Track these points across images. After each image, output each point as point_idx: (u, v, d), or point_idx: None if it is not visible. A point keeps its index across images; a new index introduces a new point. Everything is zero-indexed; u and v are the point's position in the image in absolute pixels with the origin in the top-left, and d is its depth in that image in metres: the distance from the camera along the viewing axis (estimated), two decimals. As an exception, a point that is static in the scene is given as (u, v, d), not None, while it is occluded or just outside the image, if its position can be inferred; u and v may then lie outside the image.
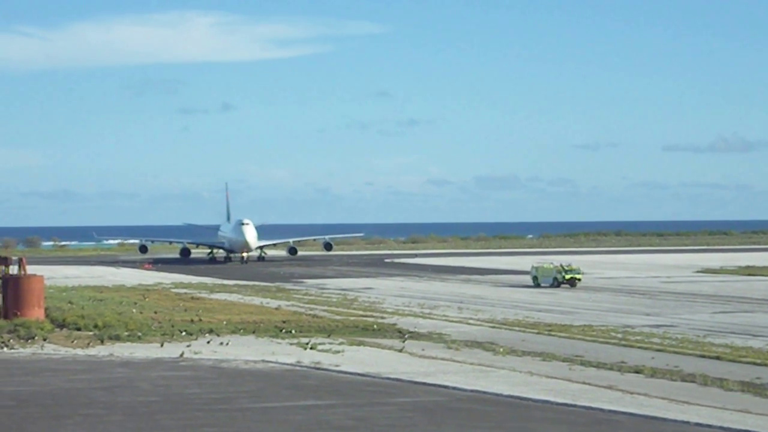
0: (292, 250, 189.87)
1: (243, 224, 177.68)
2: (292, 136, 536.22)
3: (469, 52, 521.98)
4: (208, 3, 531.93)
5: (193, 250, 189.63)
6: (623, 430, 41.24)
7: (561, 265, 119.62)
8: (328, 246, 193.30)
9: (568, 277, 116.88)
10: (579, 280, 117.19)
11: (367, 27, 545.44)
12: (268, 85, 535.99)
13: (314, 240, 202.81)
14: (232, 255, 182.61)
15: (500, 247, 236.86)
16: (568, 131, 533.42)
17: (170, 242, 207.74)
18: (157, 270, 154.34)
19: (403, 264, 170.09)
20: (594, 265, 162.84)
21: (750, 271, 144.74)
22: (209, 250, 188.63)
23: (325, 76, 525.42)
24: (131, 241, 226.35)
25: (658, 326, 77.89)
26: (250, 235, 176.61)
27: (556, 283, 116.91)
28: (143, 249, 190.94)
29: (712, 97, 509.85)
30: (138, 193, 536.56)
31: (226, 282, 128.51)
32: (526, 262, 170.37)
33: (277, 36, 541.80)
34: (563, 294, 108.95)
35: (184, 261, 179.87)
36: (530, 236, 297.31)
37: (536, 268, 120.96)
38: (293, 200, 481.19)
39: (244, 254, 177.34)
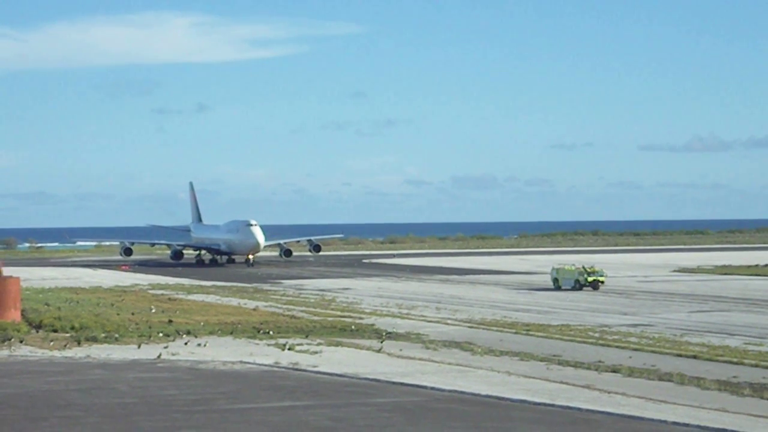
0: (287, 252, 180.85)
1: (251, 225, 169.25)
2: (269, 136, 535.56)
3: (446, 52, 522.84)
4: (185, 4, 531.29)
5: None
6: (601, 429, 41.32)
7: (583, 267, 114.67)
8: (317, 248, 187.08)
9: (590, 279, 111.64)
10: (602, 282, 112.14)
11: (345, 27, 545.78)
12: (245, 85, 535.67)
13: (297, 242, 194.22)
14: (233, 257, 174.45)
15: (478, 247, 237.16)
16: (544, 131, 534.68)
17: (152, 244, 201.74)
18: (134, 271, 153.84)
19: (381, 264, 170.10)
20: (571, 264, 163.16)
21: (726, 270, 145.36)
22: (197, 252, 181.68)
23: (301, 77, 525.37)
24: (108, 243, 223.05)
25: (635, 325, 78.13)
26: (261, 236, 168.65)
27: (578, 286, 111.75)
28: (128, 252, 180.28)
29: (688, 97, 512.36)
30: (114, 194, 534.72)
31: (203, 283, 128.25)
32: (504, 262, 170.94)
33: (254, 37, 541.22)
34: (540, 294, 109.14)
35: (174, 264, 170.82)
36: (508, 235, 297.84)
37: (556, 270, 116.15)
38: (270, 201, 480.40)
39: (251, 256, 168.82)
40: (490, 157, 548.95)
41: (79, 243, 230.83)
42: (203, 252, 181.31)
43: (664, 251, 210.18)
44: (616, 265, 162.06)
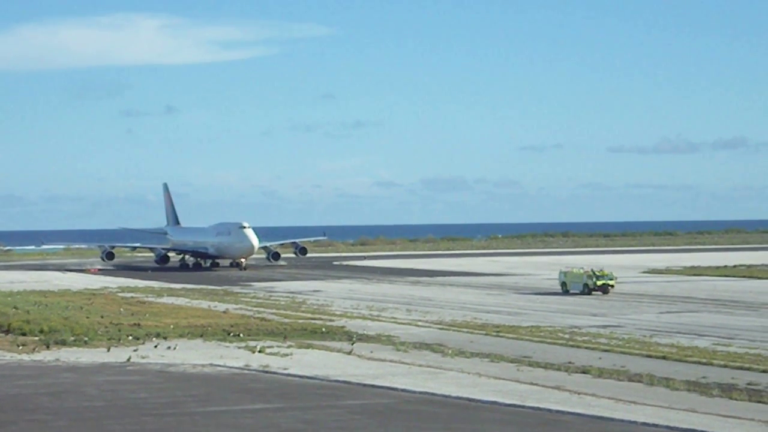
0: (275, 255, 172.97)
1: (244, 227, 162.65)
2: (238, 138, 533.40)
3: (414, 54, 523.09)
4: (154, 6, 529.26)
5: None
6: (571, 430, 41.43)
7: (592, 270, 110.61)
8: (302, 251, 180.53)
9: (600, 283, 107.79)
10: (612, 286, 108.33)
11: (314, 30, 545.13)
12: (214, 87, 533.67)
13: (281, 244, 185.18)
14: (218, 261, 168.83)
15: (449, 249, 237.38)
16: (513, 133, 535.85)
17: (134, 248, 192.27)
18: (104, 274, 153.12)
19: (352, 266, 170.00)
20: (541, 266, 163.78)
21: (695, 271, 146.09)
22: (180, 256, 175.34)
23: (270, 79, 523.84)
24: (76, 246, 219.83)
25: (605, 326, 78.42)
26: (255, 239, 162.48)
27: (587, 290, 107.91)
28: (110, 256, 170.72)
29: (657, 99, 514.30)
30: (83, 196, 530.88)
31: (173, 286, 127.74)
32: (474, 264, 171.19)
33: (223, 39, 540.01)
34: (511, 295, 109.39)
35: (160, 269, 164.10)
36: (478, 237, 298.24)
37: (564, 274, 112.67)
38: (240, 203, 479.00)
39: (243, 260, 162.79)
40: (460, 159, 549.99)
41: (45, 246, 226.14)
42: (187, 256, 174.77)
43: (633, 252, 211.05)
44: (586, 266, 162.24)
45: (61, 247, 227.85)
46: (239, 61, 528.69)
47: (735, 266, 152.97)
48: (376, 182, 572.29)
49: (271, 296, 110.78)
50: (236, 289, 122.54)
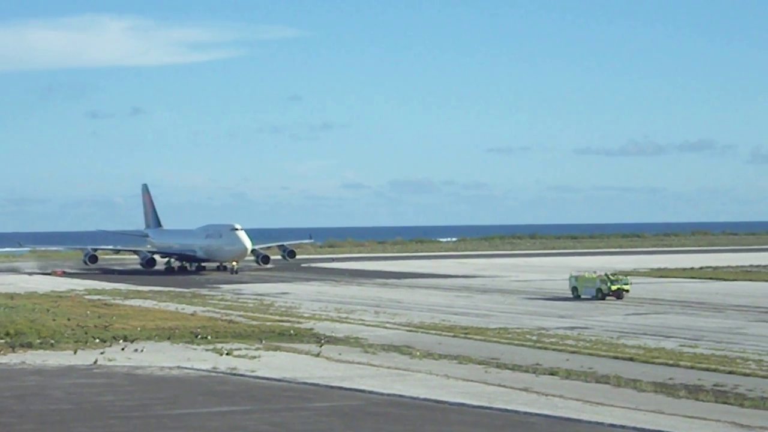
0: (265, 259, 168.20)
1: (236, 230, 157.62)
2: (205, 140, 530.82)
3: (382, 56, 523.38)
4: (122, 7, 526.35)
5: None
6: (538, 431, 41.52)
7: (606, 275, 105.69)
8: (291, 253, 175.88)
9: (614, 288, 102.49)
10: (627, 291, 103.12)
11: (282, 31, 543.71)
12: (180, 89, 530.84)
13: (269, 247, 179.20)
14: (203, 264, 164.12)
15: (417, 251, 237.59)
16: (481, 135, 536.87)
17: (117, 250, 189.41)
18: (70, 276, 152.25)
19: (320, 268, 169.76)
20: (509, 267, 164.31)
21: (662, 273, 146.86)
22: (165, 259, 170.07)
23: (238, 80, 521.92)
24: (43, 248, 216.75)
25: (572, 328, 78.69)
26: (248, 241, 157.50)
27: (601, 295, 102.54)
28: (93, 259, 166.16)
29: (623, 101, 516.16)
30: (49, 198, 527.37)
31: (140, 288, 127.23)
32: (442, 266, 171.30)
33: (191, 40, 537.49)
34: (479, 297, 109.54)
35: (146, 273, 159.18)
36: (447, 239, 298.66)
37: (575, 278, 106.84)
38: (208, 205, 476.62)
39: (235, 263, 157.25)
40: (428, 161, 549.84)
41: (4, 249, 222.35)
42: (173, 259, 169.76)
43: (600, 254, 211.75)
44: (553, 268, 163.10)
45: (26, 249, 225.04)
46: (206, 62, 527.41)
47: (701, 268, 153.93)
48: (343, 184, 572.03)
49: (239, 298, 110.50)
50: (204, 291, 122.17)
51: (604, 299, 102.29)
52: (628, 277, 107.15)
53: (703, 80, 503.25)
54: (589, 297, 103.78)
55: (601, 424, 42.52)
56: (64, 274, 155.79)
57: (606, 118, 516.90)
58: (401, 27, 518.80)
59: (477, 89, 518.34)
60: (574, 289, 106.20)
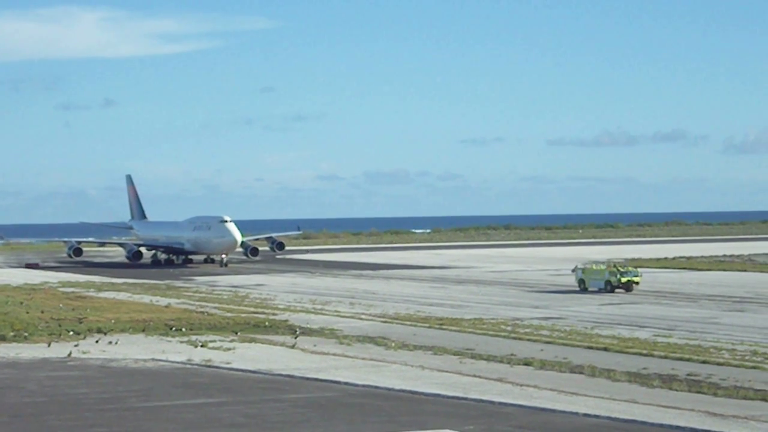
0: (253, 251, 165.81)
1: (225, 221, 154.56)
2: (178, 132, 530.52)
3: (355, 47, 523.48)
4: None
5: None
6: (513, 421, 41.64)
7: (615, 266, 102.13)
8: (279, 245, 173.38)
9: (624, 280, 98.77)
10: (637, 283, 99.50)
11: (255, 22, 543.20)
12: (153, 81, 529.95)
13: (257, 239, 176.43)
14: (191, 257, 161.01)
15: (392, 242, 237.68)
16: (455, 126, 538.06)
17: (102, 243, 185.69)
18: (43, 269, 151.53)
19: (295, 260, 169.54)
20: (484, 258, 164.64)
21: (636, 263, 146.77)
22: (152, 252, 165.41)
23: (211, 72, 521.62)
24: (15, 240, 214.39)
25: (546, 318, 78.92)
26: (238, 233, 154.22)
27: (610, 287, 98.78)
28: (77, 252, 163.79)
29: (596, 92, 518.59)
30: (21, 191, 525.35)
31: (114, 280, 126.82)
32: (417, 257, 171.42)
33: (165, 31, 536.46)
34: (454, 288, 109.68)
35: (132, 266, 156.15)
36: (421, 230, 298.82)
37: (582, 270, 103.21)
38: (182, 197, 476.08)
39: (224, 256, 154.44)
40: (402, 153, 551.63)
41: None
42: (159, 252, 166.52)
43: (575, 245, 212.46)
44: (528, 258, 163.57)
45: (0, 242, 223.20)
46: (179, 54, 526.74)
47: (675, 258, 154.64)
48: (318, 176, 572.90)
49: (213, 290, 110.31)
50: (178, 283, 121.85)
51: (613, 291, 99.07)
52: (638, 269, 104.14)
53: (675, 71, 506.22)
54: (596, 289, 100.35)
55: (576, 413, 42.67)
56: (38, 267, 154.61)
57: (579, 108, 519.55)
58: (375, 19, 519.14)
59: (451, 81, 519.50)
60: (581, 281, 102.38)
